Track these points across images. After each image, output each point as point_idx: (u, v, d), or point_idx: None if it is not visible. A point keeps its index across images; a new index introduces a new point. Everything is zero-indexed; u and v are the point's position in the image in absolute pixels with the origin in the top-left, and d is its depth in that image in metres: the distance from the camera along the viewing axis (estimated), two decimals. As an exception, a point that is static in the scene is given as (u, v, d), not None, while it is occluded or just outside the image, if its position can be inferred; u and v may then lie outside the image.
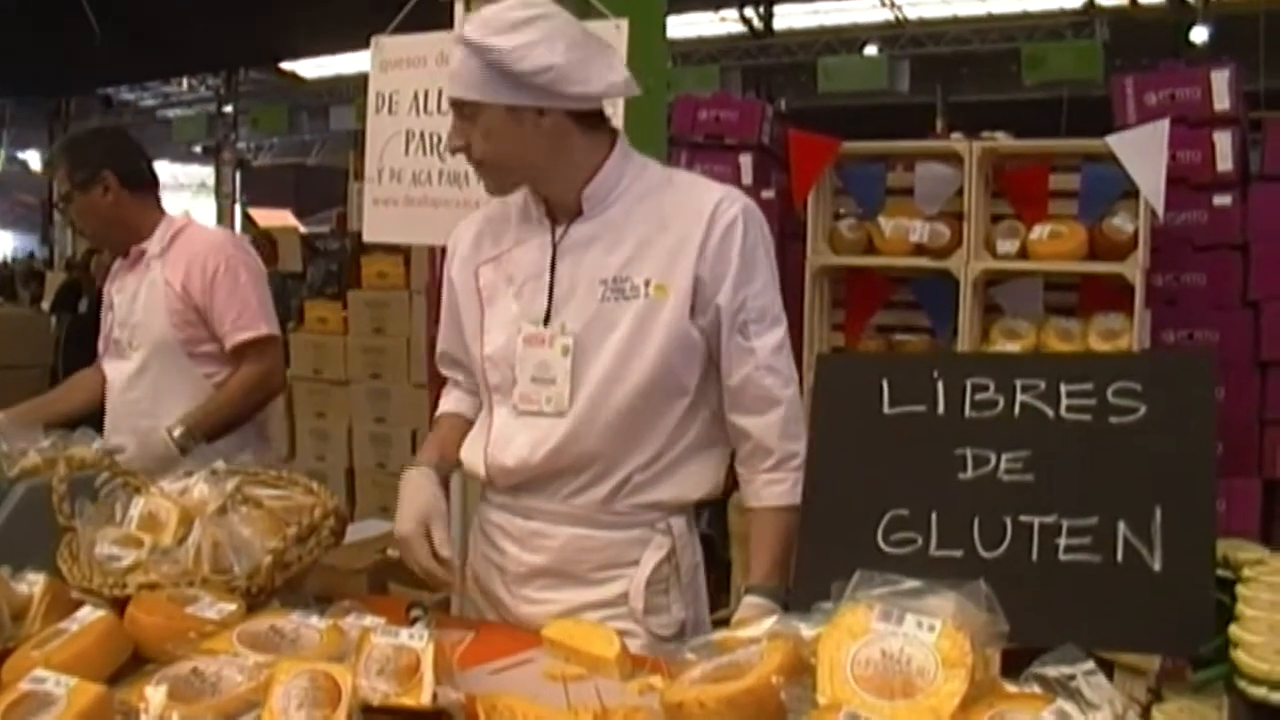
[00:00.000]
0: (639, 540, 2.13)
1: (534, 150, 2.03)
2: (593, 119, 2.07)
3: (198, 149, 22.84)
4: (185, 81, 21.81)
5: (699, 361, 2.08)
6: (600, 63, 2.02)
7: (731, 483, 2.20)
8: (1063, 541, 1.62)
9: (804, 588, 1.69)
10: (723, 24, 17.03)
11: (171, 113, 22.38)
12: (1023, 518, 1.64)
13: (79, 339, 8.09)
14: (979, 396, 1.71)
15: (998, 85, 16.05)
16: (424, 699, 1.56)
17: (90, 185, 3.17)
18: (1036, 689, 1.32)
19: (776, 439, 2.06)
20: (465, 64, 1.98)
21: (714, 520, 4.00)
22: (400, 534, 2.11)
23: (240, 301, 3.15)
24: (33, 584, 1.94)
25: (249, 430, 3.24)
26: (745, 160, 4.84)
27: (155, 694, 1.55)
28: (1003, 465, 1.68)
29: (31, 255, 19.14)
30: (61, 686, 1.53)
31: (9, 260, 19.41)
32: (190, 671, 1.63)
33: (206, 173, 23.93)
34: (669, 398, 2.08)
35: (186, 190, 25.77)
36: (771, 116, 5.12)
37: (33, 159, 25.51)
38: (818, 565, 1.69)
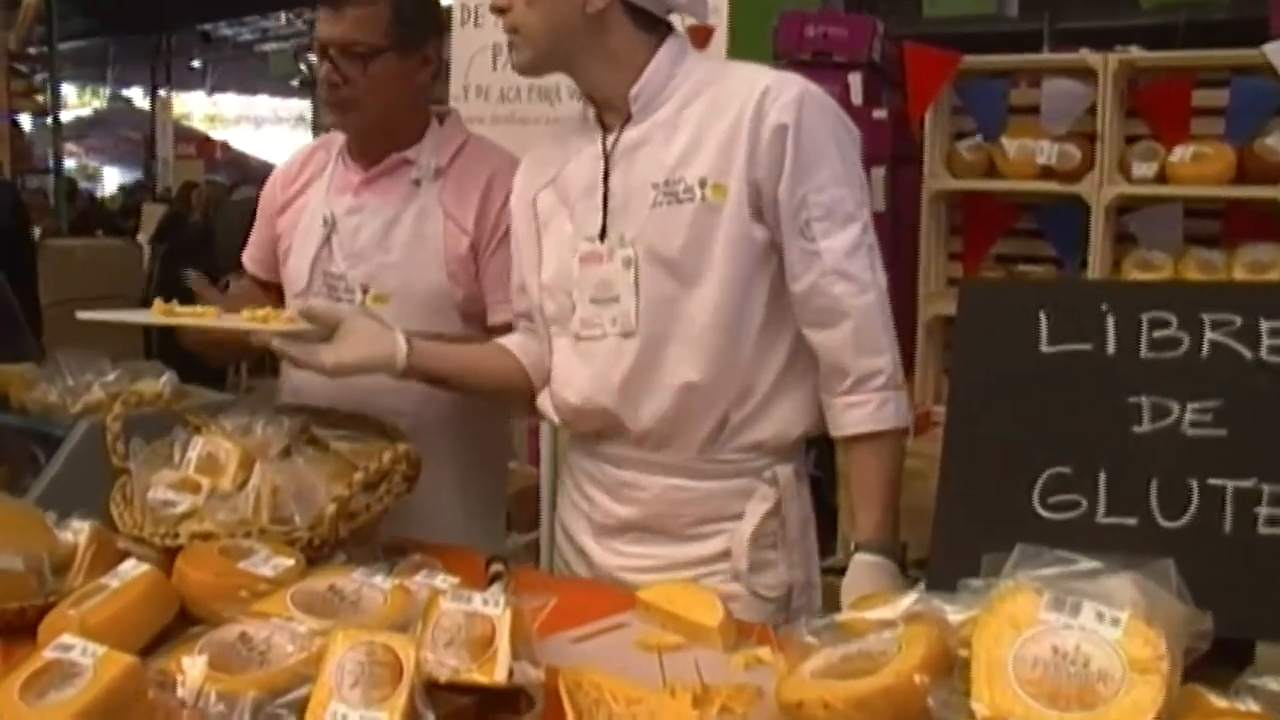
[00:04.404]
0: (741, 492, 1.93)
1: (575, 27, 1.86)
2: (648, 17, 1.90)
3: (295, 83, 22.90)
4: (283, 16, 21.85)
5: (768, 270, 1.87)
6: None
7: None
8: (1263, 511, 1.34)
9: (945, 558, 1.44)
10: (826, -52, 16.56)
11: (269, 46, 22.44)
12: (1212, 481, 1.37)
13: (172, 270, 8.10)
14: (1158, 334, 1.43)
15: (1109, 10, 15.35)
16: (498, 676, 1.37)
17: (414, 47, 2.27)
18: (1252, 705, 1.07)
19: (850, 355, 1.82)
20: None
21: (821, 461, 3.78)
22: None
23: None
24: (78, 532, 1.80)
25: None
26: (855, 79, 4.53)
27: (194, 665, 1.40)
28: (1188, 417, 1.40)
29: (141, 185, 19.35)
30: (89, 655, 1.38)
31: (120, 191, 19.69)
32: (238, 637, 1.48)
33: (304, 106, 24.00)
34: (742, 315, 1.86)
35: (285, 124, 25.95)
36: (882, 33, 4.80)
37: (136, 96, 25.83)
38: (962, 531, 1.44)
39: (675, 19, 1.96)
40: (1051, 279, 3.85)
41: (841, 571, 1.84)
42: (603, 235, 1.91)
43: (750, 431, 1.91)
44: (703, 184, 1.83)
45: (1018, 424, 1.47)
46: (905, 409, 1.87)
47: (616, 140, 1.92)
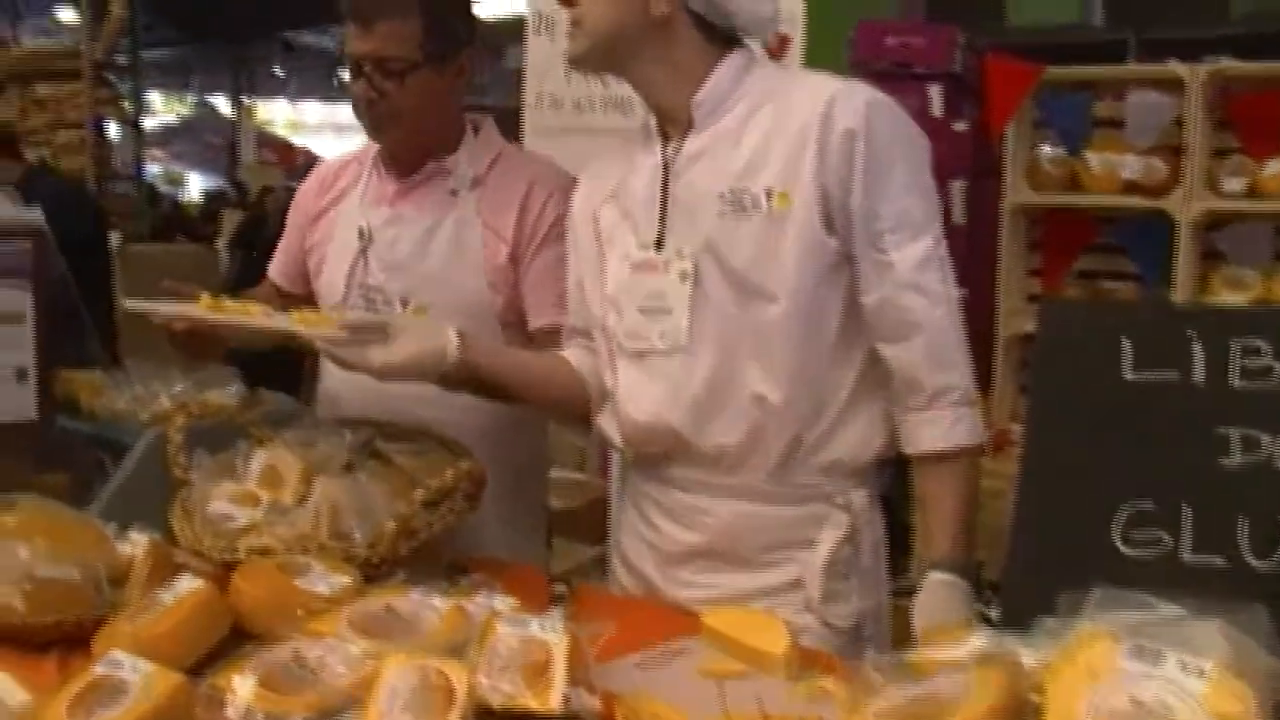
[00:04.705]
0: (814, 518, 1.86)
1: (638, 28, 1.82)
2: (715, 31, 1.86)
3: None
4: (364, 23, 22.12)
5: (841, 282, 1.80)
6: None
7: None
8: (1364, 553, 1.26)
9: (1019, 593, 1.37)
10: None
11: (351, 54, 22.72)
12: (1309, 520, 1.29)
13: (250, 275, 8.16)
14: (1249, 362, 1.35)
15: (1198, 19, 14.99)
16: (553, 704, 1.34)
17: (448, 59, 2.23)
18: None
19: (925, 370, 1.76)
20: None
21: (895, 480, 3.70)
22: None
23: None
24: (136, 545, 1.79)
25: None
26: (934, 90, 4.44)
27: (244, 684, 1.38)
28: (1282, 451, 1.32)
29: (223, 193, 19.67)
30: (137, 673, 1.37)
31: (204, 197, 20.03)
32: (290, 656, 1.46)
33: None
34: (815, 329, 1.80)
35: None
36: (964, 44, 4.71)
37: (220, 103, 26.25)
38: (1037, 565, 1.37)
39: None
40: (1135, 300, 3.73)
41: (914, 592, 1.78)
42: (659, 245, 1.87)
43: (824, 451, 1.85)
44: (769, 194, 1.78)
45: (1097, 454, 1.39)
46: (980, 425, 1.81)
47: (678, 150, 1.87)
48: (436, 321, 1.96)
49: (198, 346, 2.19)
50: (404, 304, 2.27)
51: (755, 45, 1.93)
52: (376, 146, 2.37)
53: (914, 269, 1.76)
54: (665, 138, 1.90)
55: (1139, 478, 1.36)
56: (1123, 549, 1.33)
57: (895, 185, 1.77)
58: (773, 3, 1.88)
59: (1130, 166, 3.79)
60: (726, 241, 1.80)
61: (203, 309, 2.02)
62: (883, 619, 1.92)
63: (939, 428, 1.77)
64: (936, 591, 1.74)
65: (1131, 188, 3.79)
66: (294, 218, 2.51)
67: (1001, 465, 2.85)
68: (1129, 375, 1.40)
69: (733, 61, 1.86)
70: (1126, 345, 1.41)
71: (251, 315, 2.02)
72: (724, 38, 1.87)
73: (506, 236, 2.26)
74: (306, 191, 2.50)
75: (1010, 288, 4.02)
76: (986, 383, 3.60)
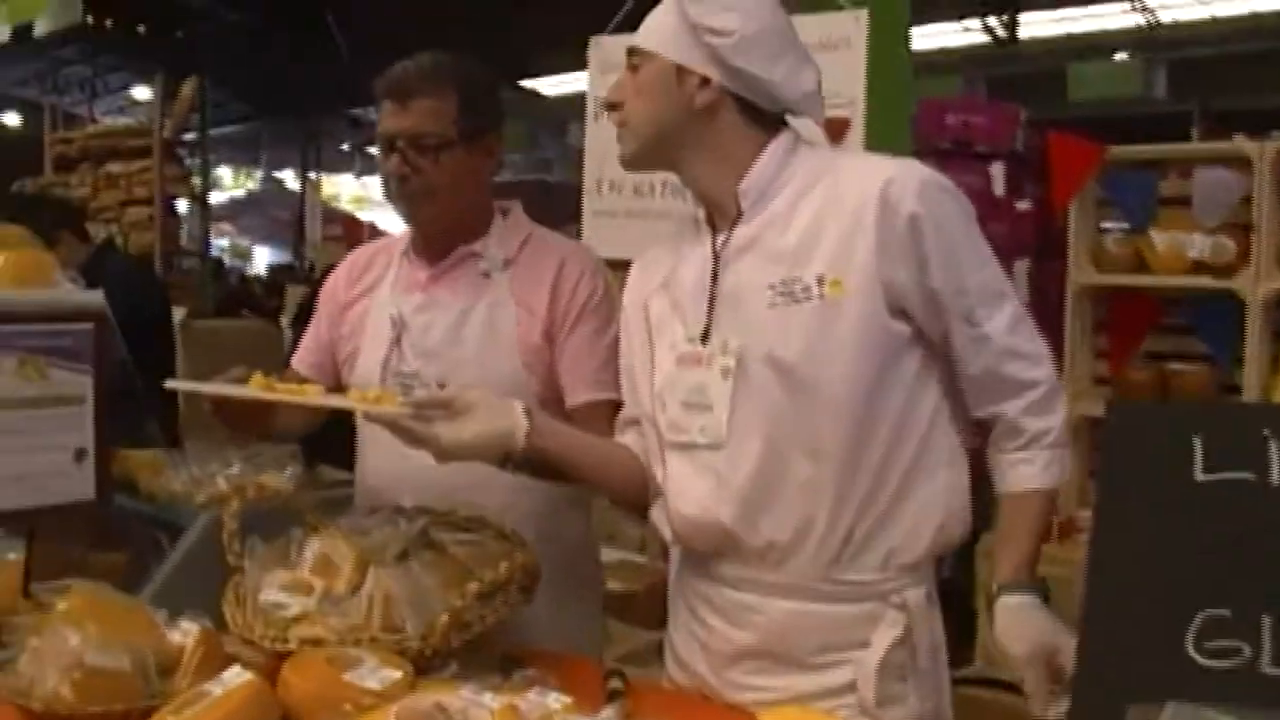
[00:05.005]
0: (868, 616, 1.81)
1: (682, 121, 1.83)
2: (760, 113, 1.85)
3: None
4: (430, 100, 22.48)
5: (905, 363, 1.79)
6: (790, 63, 1.84)
7: (980, 524, 1.90)
8: None
9: (1088, 703, 1.32)
10: (965, 34, 16.40)
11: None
12: (1396, 629, 1.22)
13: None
14: (1330, 462, 1.30)
15: (1262, 89, 14.85)
16: (605, 811, 1.29)
17: (479, 139, 2.24)
18: None
19: (1027, 419, 1.79)
20: (659, 16, 1.86)
21: (959, 565, 3.62)
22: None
23: (606, 349, 2.22)
24: (186, 633, 1.77)
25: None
26: (997, 170, 4.42)
27: None
28: (1367, 556, 1.26)
29: (290, 267, 19.93)
30: None
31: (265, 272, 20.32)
32: None
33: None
34: (870, 416, 1.76)
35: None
36: (1025, 122, 4.69)
37: (287, 178, 26.76)
38: (1106, 674, 1.31)
39: (801, 121, 1.91)
40: (1206, 400, 3.64)
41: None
42: (705, 338, 1.84)
43: (877, 541, 1.80)
44: (820, 281, 1.76)
45: (1169, 559, 1.33)
46: (1067, 464, 1.84)
47: (727, 241, 1.85)
48: (501, 398, 1.92)
49: (242, 420, 2.19)
50: (441, 389, 2.17)
51: (810, 124, 1.92)
52: (404, 237, 2.38)
53: (1007, 334, 1.78)
54: (714, 228, 1.89)
55: (1214, 584, 1.30)
56: (1197, 659, 1.27)
57: (970, 259, 1.77)
58: (814, 74, 1.87)
59: (1197, 245, 3.74)
60: (777, 333, 1.78)
61: (254, 389, 2.00)
62: None
63: (1033, 467, 1.79)
64: (1013, 615, 1.73)
65: (1199, 267, 3.73)
66: (324, 308, 2.49)
67: (1068, 552, 2.79)
68: (1201, 476, 1.35)
69: (777, 145, 1.85)
70: (1197, 445, 1.36)
71: (308, 394, 2.02)
72: (770, 120, 1.86)
73: (540, 314, 2.26)
74: (336, 281, 2.48)
75: (1076, 370, 3.96)
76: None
